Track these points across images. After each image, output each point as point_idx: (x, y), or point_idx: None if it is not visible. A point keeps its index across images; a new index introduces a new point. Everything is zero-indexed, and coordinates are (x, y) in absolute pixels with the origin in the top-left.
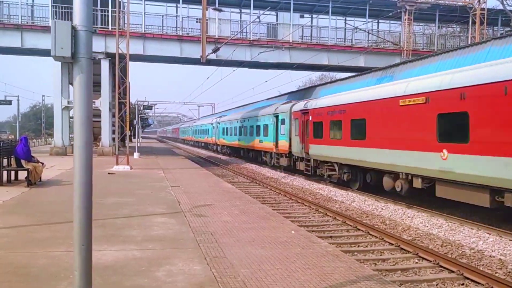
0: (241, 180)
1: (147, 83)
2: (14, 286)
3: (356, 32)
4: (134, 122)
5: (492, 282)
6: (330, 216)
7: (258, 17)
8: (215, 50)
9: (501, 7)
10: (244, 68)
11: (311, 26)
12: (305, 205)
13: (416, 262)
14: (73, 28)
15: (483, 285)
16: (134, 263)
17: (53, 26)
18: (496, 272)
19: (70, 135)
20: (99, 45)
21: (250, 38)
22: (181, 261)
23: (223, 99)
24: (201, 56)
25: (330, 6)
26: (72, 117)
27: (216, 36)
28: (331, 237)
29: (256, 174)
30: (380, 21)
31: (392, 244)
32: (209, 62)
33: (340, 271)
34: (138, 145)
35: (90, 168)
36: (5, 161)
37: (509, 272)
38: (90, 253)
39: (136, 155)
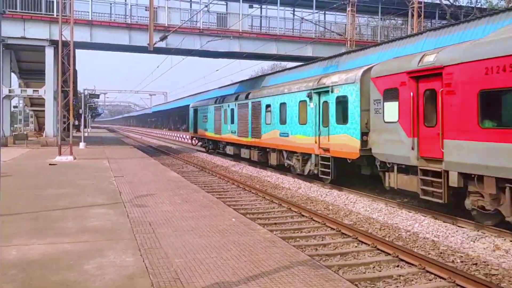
0: (190, 169)
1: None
2: None
3: (303, 22)
4: (80, 111)
5: (424, 263)
6: (276, 203)
7: (206, 6)
8: (162, 38)
9: (437, 1)
10: (195, 57)
11: (261, 16)
12: (252, 193)
13: (356, 246)
14: None
15: (416, 266)
16: (64, 256)
17: None
18: (429, 253)
19: (15, 125)
20: (43, 32)
21: (200, 27)
22: (114, 253)
23: (176, 88)
24: (148, 44)
25: None
26: (15, 106)
27: (166, 25)
28: (275, 224)
29: (207, 163)
30: (326, 12)
31: (333, 229)
32: (159, 50)
33: (274, 258)
34: (86, 135)
35: None
36: None
37: (441, 253)
38: None
39: (82, 145)
